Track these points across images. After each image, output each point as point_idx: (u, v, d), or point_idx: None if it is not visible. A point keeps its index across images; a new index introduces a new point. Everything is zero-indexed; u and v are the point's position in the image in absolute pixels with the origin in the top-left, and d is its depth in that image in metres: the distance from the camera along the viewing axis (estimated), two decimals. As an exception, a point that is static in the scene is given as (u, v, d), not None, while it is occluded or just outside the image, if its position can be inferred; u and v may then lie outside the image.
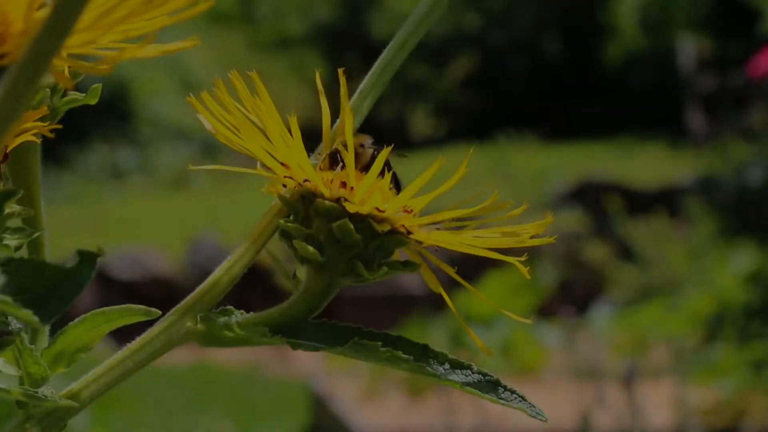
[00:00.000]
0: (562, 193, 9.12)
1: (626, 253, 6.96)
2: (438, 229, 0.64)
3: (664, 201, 8.03)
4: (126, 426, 4.77)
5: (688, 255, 6.19)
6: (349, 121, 0.62)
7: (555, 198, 9.04)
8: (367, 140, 0.68)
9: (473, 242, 0.63)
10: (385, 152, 0.61)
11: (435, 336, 5.58)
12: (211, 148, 12.28)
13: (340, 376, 5.68)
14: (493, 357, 5.58)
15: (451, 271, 0.64)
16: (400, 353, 0.61)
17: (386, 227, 0.63)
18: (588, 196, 8.75)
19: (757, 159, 6.38)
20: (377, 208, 0.63)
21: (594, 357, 5.09)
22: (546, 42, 14.43)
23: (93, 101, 0.65)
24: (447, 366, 0.63)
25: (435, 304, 6.08)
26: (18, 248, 0.63)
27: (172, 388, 6.09)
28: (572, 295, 7.27)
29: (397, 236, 0.64)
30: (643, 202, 8.21)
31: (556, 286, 7.08)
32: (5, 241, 0.63)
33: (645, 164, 10.79)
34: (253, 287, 6.51)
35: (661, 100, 13.15)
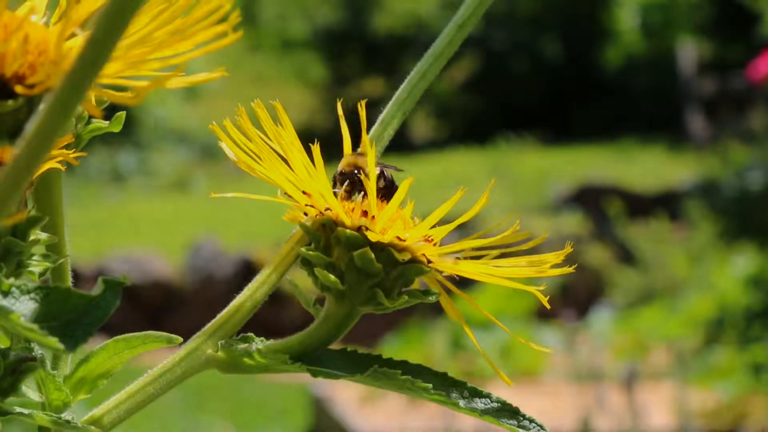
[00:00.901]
0: (563, 196, 9.12)
1: (626, 256, 6.96)
2: (458, 258, 0.64)
3: (664, 204, 8.04)
4: (125, 429, 4.77)
5: (689, 258, 6.19)
6: (371, 152, 0.62)
7: (555, 201, 9.04)
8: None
9: (494, 272, 0.63)
10: (407, 183, 0.61)
11: (435, 339, 5.58)
12: (210, 152, 12.28)
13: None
14: (493, 360, 5.58)
15: (458, 291, 0.64)
16: (419, 382, 0.61)
17: (407, 256, 0.63)
18: (588, 199, 8.75)
19: (758, 162, 6.37)
20: (398, 237, 0.63)
21: (594, 360, 5.09)
22: (547, 45, 14.43)
23: (117, 129, 0.65)
24: (466, 394, 0.63)
25: (435, 307, 6.07)
26: (42, 274, 0.64)
27: (172, 390, 6.08)
28: (572, 298, 7.27)
29: (417, 265, 0.64)
30: (643, 206, 8.22)
31: (556, 288, 7.08)
32: (30, 268, 0.63)
33: (645, 167, 10.78)
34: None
35: (661, 103, 13.15)
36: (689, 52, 12.04)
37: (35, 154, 0.45)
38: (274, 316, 6.28)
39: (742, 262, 5.38)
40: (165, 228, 9.46)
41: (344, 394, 5.29)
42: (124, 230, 9.51)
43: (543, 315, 6.50)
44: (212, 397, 6.02)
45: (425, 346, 5.54)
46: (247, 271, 7.58)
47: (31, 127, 0.44)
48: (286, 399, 6.08)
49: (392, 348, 5.52)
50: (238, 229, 8.42)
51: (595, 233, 7.84)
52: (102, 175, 12.14)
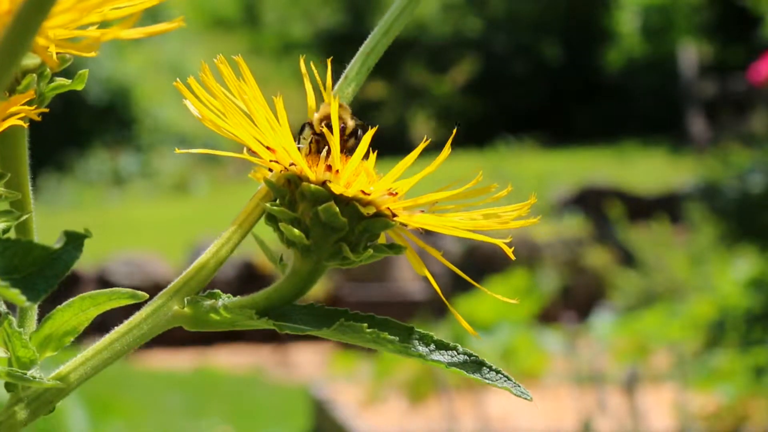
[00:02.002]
0: (563, 199, 9.12)
1: (627, 258, 6.96)
2: (423, 212, 0.64)
3: (665, 207, 8.04)
4: (125, 431, 4.77)
5: (689, 261, 6.18)
6: (334, 105, 0.62)
7: (556, 204, 9.03)
8: (346, 112, 0.68)
9: (457, 224, 0.63)
10: (370, 133, 0.61)
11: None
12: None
13: (341, 382, 5.68)
14: (494, 362, 5.57)
15: (437, 255, 0.64)
16: (385, 334, 0.61)
17: (372, 210, 0.63)
18: (589, 201, 8.76)
19: (759, 165, 6.36)
20: (362, 191, 0.63)
21: (595, 362, 5.09)
22: (547, 47, 14.45)
23: (79, 87, 0.65)
24: (432, 347, 0.63)
25: (436, 310, 6.08)
26: (6, 231, 0.63)
27: (172, 392, 6.08)
28: (573, 300, 7.27)
29: (382, 219, 0.64)
30: (644, 208, 8.22)
31: (557, 291, 7.08)
32: (-8, 224, 0.63)
33: (646, 170, 10.79)
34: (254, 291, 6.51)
35: (662, 105, 13.16)
36: (690, 54, 12.04)
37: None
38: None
39: (743, 264, 5.37)
40: (166, 230, 9.47)
41: (345, 397, 5.29)
42: (126, 232, 9.53)
43: (544, 318, 6.49)
44: (213, 400, 6.02)
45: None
46: (249, 273, 7.58)
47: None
48: (286, 401, 6.08)
49: (392, 349, 5.51)
50: (238, 232, 8.40)
51: (595, 236, 7.84)
52: (103, 177, 12.16)
